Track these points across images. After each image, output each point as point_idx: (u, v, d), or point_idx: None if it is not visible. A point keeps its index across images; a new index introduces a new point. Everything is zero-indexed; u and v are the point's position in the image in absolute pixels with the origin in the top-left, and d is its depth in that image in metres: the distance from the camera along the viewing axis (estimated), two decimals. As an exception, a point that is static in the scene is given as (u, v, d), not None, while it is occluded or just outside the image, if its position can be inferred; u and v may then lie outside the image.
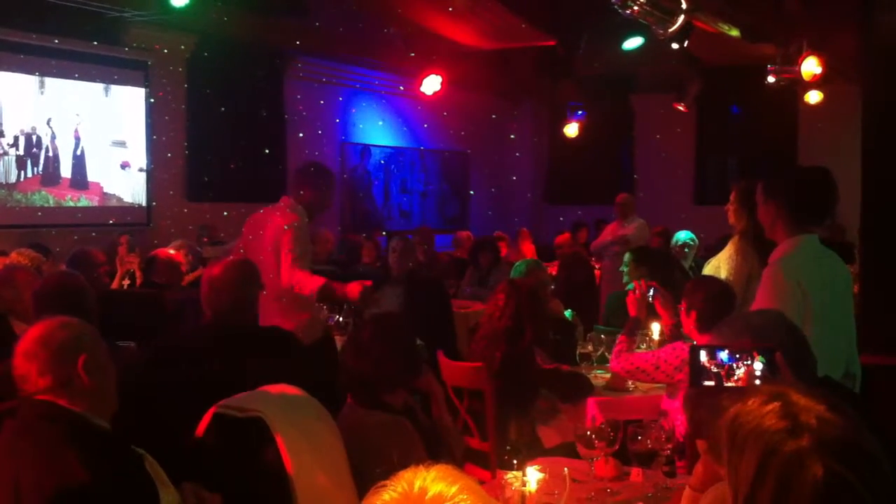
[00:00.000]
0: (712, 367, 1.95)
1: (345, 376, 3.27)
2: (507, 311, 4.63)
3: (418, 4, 9.78)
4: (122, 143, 9.59)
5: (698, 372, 1.95)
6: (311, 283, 4.82)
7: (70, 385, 2.53)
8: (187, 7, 7.49)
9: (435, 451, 3.16)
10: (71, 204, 9.19)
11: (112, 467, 2.47)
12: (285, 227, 4.92)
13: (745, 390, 1.76)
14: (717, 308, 3.99)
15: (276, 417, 2.79)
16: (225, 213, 9.72)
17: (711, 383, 1.94)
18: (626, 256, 6.42)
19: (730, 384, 1.93)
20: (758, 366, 1.93)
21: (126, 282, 7.10)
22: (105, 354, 2.65)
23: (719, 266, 5.01)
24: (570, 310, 6.13)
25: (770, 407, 1.50)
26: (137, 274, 7.14)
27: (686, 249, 7.85)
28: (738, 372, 1.93)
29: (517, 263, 6.15)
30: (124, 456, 2.57)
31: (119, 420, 2.67)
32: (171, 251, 6.93)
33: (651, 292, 4.52)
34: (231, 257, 4.60)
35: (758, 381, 1.91)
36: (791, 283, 3.21)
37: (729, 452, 1.53)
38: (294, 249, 4.86)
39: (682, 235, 7.97)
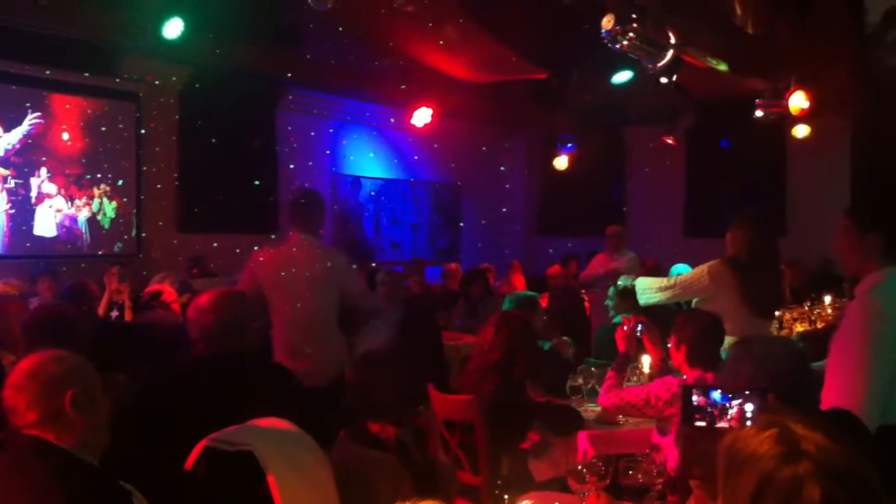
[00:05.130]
0: (704, 406, 1.94)
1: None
2: (498, 343, 4.62)
3: (410, 37, 9.84)
4: (112, 174, 9.59)
5: (690, 412, 1.95)
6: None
7: (58, 420, 2.51)
8: (180, 39, 7.52)
9: (426, 488, 3.14)
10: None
11: (98, 504, 2.45)
12: (340, 261, 5.44)
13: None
14: (707, 342, 4.00)
15: (266, 451, 2.77)
16: (215, 245, 9.71)
17: (703, 423, 1.93)
18: (611, 290, 6.45)
19: (722, 424, 1.93)
20: (749, 406, 1.93)
21: (115, 312, 7.07)
22: (98, 389, 2.63)
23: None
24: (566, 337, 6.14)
25: (767, 433, 1.51)
26: (126, 304, 7.11)
27: (683, 283, 7.84)
28: (730, 412, 1.93)
29: (508, 296, 6.15)
30: (111, 493, 2.54)
31: (108, 452, 2.65)
32: (159, 287, 6.88)
33: (639, 327, 4.53)
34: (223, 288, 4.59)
35: (749, 423, 1.91)
36: (891, 313, 3.17)
37: (725, 478, 1.54)
38: (357, 280, 5.70)
39: (681, 269, 7.96)
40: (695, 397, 1.95)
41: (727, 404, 1.93)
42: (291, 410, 3.17)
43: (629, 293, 5.94)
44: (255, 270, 5.32)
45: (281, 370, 4.05)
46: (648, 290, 5.43)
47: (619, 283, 5.87)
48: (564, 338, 5.89)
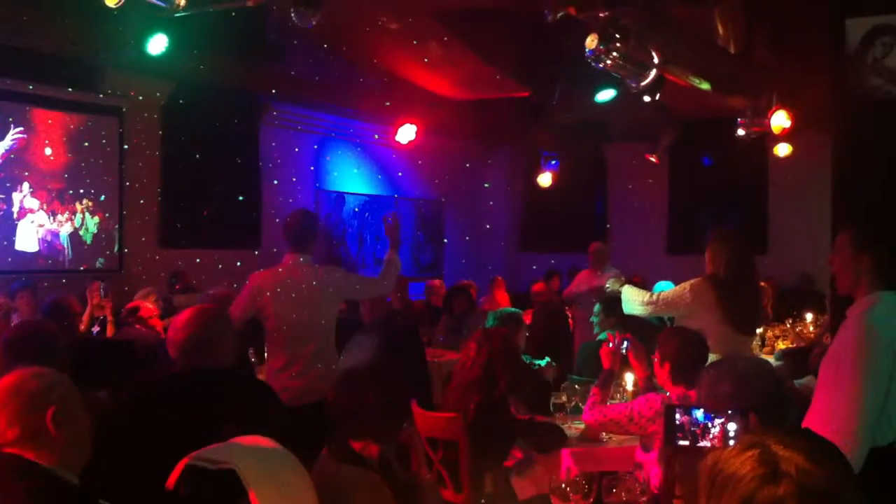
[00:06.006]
0: (687, 426, 1.95)
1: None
2: (479, 360, 4.62)
3: (394, 54, 9.88)
4: (94, 189, 9.55)
5: (673, 431, 1.95)
6: (391, 274, 5.79)
7: (38, 437, 2.49)
8: (163, 54, 7.51)
9: (410, 506, 3.14)
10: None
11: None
12: (338, 276, 5.48)
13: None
14: (691, 359, 4.00)
15: (249, 470, 2.75)
16: (198, 260, 9.67)
17: (686, 443, 1.94)
18: (596, 307, 6.47)
19: (704, 443, 1.93)
20: (732, 426, 1.94)
21: (96, 328, 7.03)
22: (78, 406, 2.61)
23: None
24: (547, 357, 6.15)
25: (749, 453, 1.51)
26: (109, 318, 7.07)
27: (666, 299, 7.87)
28: (712, 431, 1.94)
29: (492, 313, 6.15)
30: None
31: (90, 470, 2.63)
32: (146, 303, 6.85)
33: (625, 344, 4.54)
34: (200, 304, 4.58)
35: (731, 442, 1.92)
36: (884, 337, 3.18)
37: (706, 498, 1.54)
38: (357, 277, 5.67)
39: (664, 286, 7.99)
40: (677, 416, 1.96)
41: (709, 423, 1.93)
42: (268, 425, 3.15)
43: (615, 308, 5.98)
44: (251, 295, 5.31)
45: (257, 385, 4.03)
46: (633, 301, 5.46)
47: (607, 286, 5.90)
48: (553, 363, 5.91)
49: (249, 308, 5.29)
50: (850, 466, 1.54)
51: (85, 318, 6.90)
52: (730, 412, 1.94)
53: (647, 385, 4.47)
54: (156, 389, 3.78)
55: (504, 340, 4.74)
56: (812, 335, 8.26)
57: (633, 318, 6.08)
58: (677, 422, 1.96)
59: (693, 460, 1.80)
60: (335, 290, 5.38)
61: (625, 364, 4.68)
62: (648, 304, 5.35)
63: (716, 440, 1.93)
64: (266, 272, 5.39)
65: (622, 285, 5.58)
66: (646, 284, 8.77)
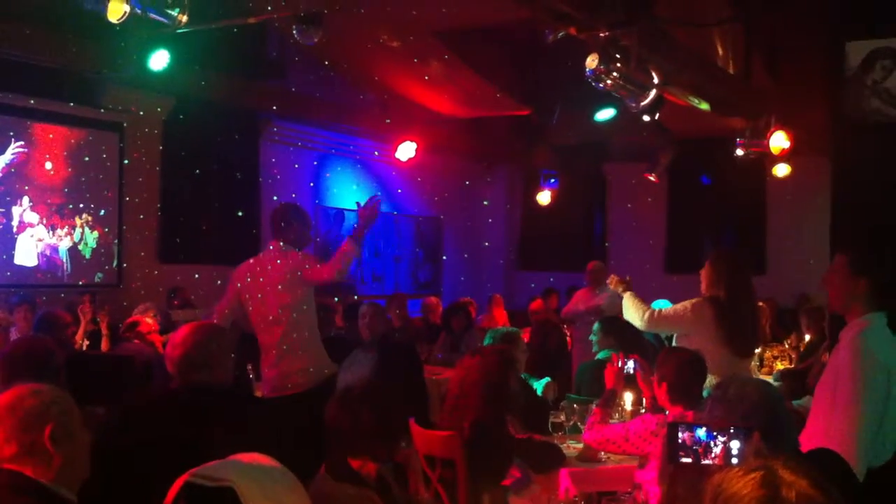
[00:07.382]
0: (690, 444, 1.95)
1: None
2: (475, 378, 4.61)
3: (395, 72, 9.91)
4: (94, 203, 9.56)
5: (675, 449, 1.95)
6: (339, 259, 5.43)
7: (36, 454, 2.49)
8: (165, 70, 7.52)
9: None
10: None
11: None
12: (301, 257, 5.45)
13: (723, 468, 1.77)
14: (688, 379, 4.01)
15: (247, 488, 2.74)
16: (196, 276, 9.67)
17: (689, 460, 1.94)
18: (595, 326, 6.47)
19: (707, 461, 1.94)
20: (735, 444, 1.94)
21: (86, 342, 7.01)
22: (77, 423, 2.61)
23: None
24: (547, 377, 6.14)
25: (753, 475, 1.52)
26: (105, 333, 7.05)
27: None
28: (715, 450, 1.94)
29: (490, 331, 6.14)
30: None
31: (87, 487, 2.62)
32: (146, 318, 6.84)
33: (632, 364, 4.54)
34: (199, 321, 4.59)
35: (734, 460, 1.92)
36: (881, 361, 3.17)
37: None
38: (315, 259, 5.57)
39: (661, 305, 7.99)
40: (681, 434, 1.96)
41: (712, 442, 1.94)
42: (262, 442, 3.14)
43: (613, 327, 5.99)
44: (232, 289, 5.52)
45: (251, 402, 4.03)
46: (632, 310, 5.46)
47: (608, 283, 5.91)
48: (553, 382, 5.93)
49: (234, 302, 5.47)
50: (859, 490, 1.55)
51: (79, 334, 6.90)
52: (732, 431, 1.95)
53: (654, 405, 4.45)
54: (150, 406, 3.78)
55: (499, 358, 4.72)
56: (810, 356, 8.24)
57: (631, 339, 6.08)
58: (680, 439, 1.96)
59: (695, 478, 1.79)
60: (294, 270, 5.41)
61: (625, 384, 4.68)
62: (648, 318, 5.35)
63: (717, 459, 1.93)
64: (245, 262, 5.59)
65: (625, 290, 5.56)
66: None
